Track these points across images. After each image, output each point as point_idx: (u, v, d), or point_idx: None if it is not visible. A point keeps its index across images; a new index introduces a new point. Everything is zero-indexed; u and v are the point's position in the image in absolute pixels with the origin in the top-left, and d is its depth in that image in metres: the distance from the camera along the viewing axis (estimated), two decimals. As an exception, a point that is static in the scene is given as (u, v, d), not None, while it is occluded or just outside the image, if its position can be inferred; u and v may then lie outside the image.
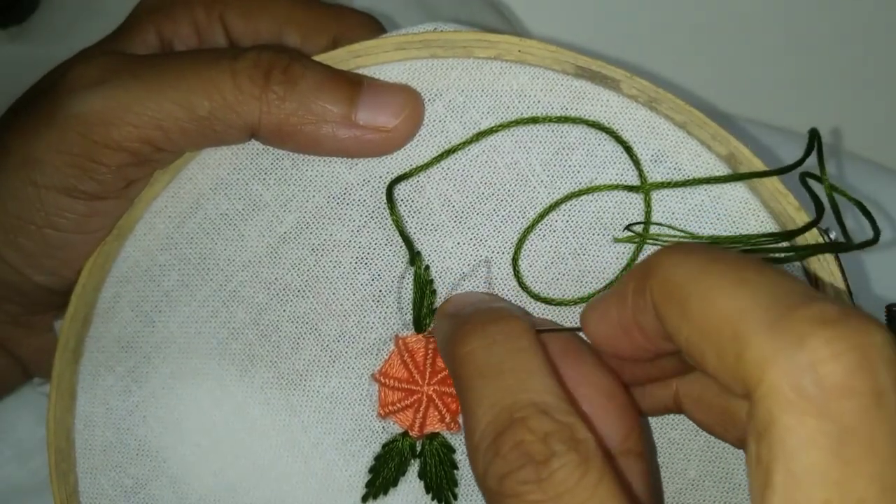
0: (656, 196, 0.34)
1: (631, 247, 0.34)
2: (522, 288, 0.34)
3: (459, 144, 0.33)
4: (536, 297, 0.34)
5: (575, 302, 0.34)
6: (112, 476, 0.36)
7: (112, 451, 0.36)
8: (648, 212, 0.33)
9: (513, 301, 0.34)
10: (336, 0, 0.39)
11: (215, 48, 0.33)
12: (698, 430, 0.34)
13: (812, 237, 0.33)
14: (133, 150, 0.33)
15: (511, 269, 0.34)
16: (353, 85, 0.32)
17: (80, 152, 0.32)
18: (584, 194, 0.34)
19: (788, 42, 0.55)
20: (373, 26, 0.37)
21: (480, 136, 0.33)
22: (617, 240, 0.34)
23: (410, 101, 0.33)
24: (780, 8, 0.55)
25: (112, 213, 0.34)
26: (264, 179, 0.34)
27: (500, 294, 0.34)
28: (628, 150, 0.33)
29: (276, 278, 0.35)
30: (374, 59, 0.34)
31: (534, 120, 0.33)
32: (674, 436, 0.35)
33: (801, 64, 0.55)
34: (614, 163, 0.34)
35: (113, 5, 0.40)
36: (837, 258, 0.33)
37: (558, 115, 0.33)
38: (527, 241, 0.34)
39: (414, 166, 0.34)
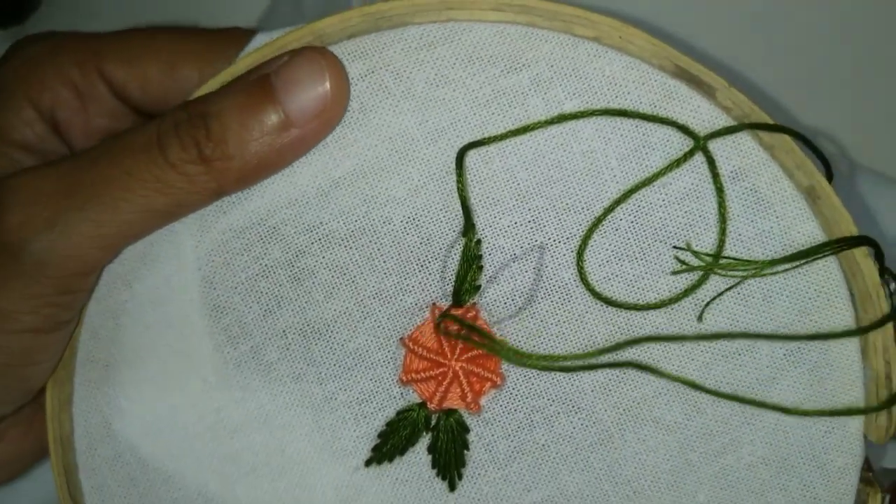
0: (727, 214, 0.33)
1: (689, 261, 0.33)
2: (584, 283, 0.33)
3: (541, 122, 0.32)
4: (597, 296, 0.33)
5: (631, 307, 0.33)
6: (109, 393, 0.34)
7: (115, 369, 0.34)
8: (722, 236, 0.32)
9: (560, 294, 0.33)
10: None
11: (126, 137, 0.31)
12: (718, 455, 0.34)
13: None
14: (106, 264, 0.32)
15: (563, 260, 0.33)
16: (267, 92, 0.30)
17: (53, 292, 0.31)
18: (650, 182, 0.32)
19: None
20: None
21: (563, 118, 0.32)
22: (676, 272, 0.33)
23: (320, 62, 0.31)
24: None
25: None
26: None
27: (549, 284, 0.33)
28: (711, 162, 0.32)
29: (321, 223, 0.33)
30: (469, 15, 0.32)
31: (623, 113, 0.32)
32: (692, 458, 0.34)
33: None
34: (692, 172, 0.32)
35: (112, 5, 0.38)
36: (894, 312, 0.33)
37: (649, 111, 0.32)
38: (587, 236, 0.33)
39: (486, 134, 0.32)
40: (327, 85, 0.31)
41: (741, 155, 0.32)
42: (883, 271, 0.33)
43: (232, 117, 0.30)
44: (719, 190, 0.32)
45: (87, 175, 0.31)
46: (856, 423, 0.34)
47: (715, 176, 0.32)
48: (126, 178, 0.30)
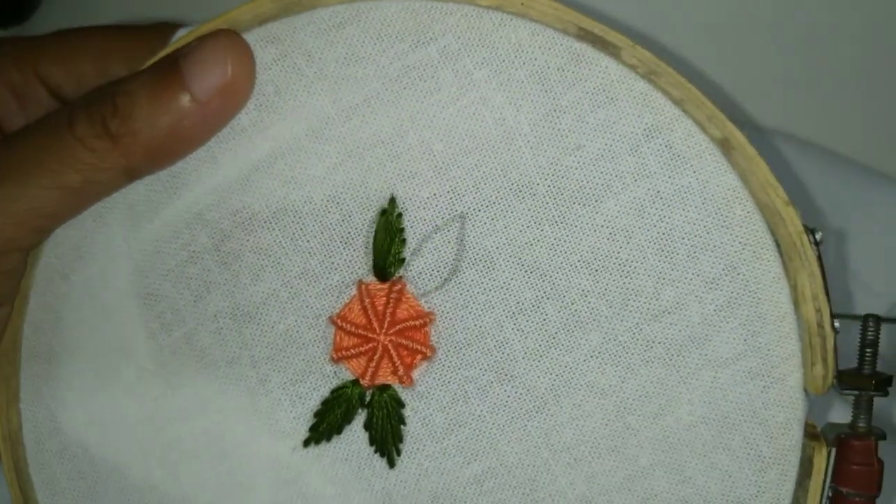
0: (643, 172, 0.33)
1: (618, 215, 0.33)
2: None
3: None
4: None
5: None
6: (53, 386, 0.35)
7: (57, 362, 0.35)
8: None
9: (484, 262, 0.33)
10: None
11: (42, 120, 0.33)
12: (656, 416, 0.34)
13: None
14: (25, 245, 0.33)
15: (484, 228, 0.33)
16: (174, 72, 0.32)
17: None
18: None
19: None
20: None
21: None
22: None
23: (225, 44, 0.32)
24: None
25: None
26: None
27: (472, 253, 0.33)
28: None
29: (243, 206, 0.34)
30: (373, -7, 0.32)
31: None
32: (630, 421, 0.34)
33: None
34: (603, 132, 0.32)
35: (113, 5, 0.39)
36: (820, 260, 0.32)
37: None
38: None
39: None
40: (229, 63, 0.32)
41: (653, 112, 0.32)
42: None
43: (139, 94, 0.31)
44: None
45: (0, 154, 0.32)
46: (795, 377, 0.33)
47: None
48: (36, 154, 0.31)
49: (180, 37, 0.34)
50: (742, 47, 0.51)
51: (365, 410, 0.34)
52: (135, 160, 0.32)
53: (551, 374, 0.34)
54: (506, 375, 0.34)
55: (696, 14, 0.52)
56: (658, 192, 0.33)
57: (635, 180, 0.33)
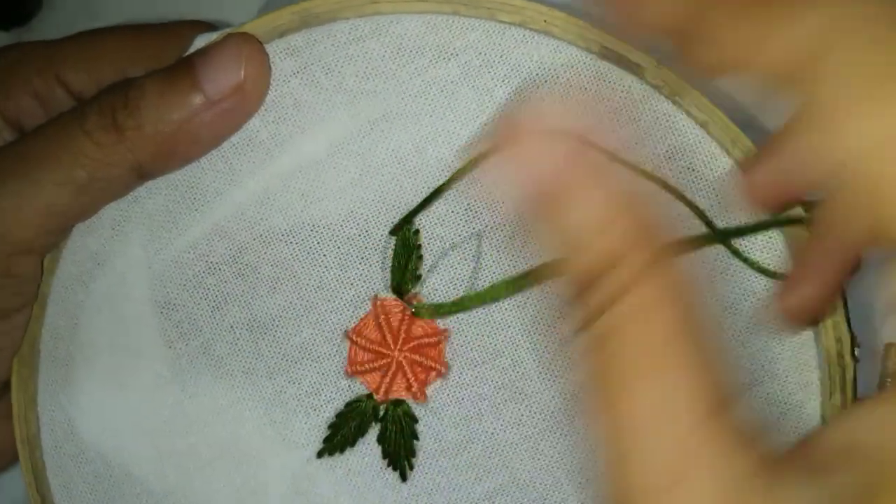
0: (664, 195, 0.32)
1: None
2: None
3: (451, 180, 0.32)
4: None
5: None
6: (70, 391, 0.35)
7: (75, 368, 0.35)
8: None
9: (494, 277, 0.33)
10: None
11: (55, 118, 0.32)
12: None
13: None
14: (37, 248, 0.33)
15: (501, 247, 0.33)
16: (187, 70, 0.32)
17: None
18: None
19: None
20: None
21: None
22: None
23: (240, 45, 0.32)
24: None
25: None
26: (263, 116, 0.33)
27: (488, 271, 0.33)
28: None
29: (261, 219, 0.34)
30: (393, 7, 0.32)
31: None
32: None
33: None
34: (625, 152, 0.32)
35: (115, 7, 0.39)
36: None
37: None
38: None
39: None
40: (243, 64, 0.31)
41: (676, 133, 0.32)
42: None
43: (150, 89, 0.31)
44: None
45: (9, 153, 0.32)
46: (812, 405, 0.33)
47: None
48: (43, 150, 0.31)
49: (199, 47, 0.33)
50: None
51: (379, 424, 0.34)
52: (142, 156, 0.32)
53: (566, 394, 0.33)
54: (520, 394, 0.34)
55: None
56: (679, 213, 0.32)
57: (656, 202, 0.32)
